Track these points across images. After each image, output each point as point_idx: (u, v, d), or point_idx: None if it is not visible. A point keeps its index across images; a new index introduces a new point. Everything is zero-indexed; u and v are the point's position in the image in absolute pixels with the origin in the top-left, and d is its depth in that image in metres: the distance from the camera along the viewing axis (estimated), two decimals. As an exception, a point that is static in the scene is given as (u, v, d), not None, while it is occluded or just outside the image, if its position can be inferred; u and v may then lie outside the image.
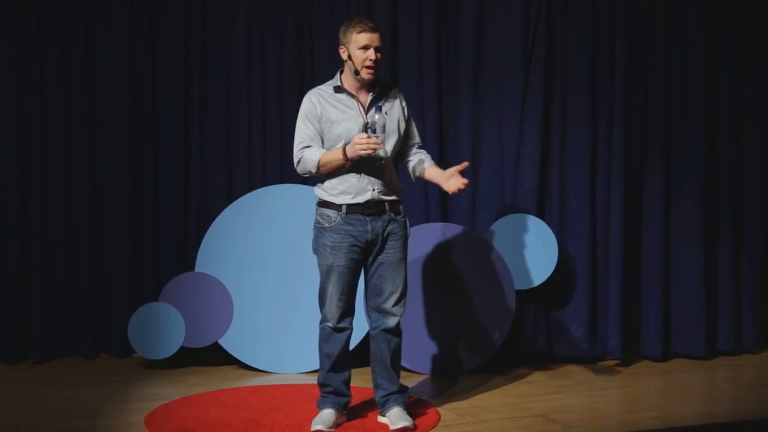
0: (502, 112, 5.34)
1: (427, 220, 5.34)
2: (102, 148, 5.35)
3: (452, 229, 5.16)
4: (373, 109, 3.87)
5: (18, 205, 5.25)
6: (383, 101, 3.97)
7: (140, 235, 5.40)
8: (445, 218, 5.38)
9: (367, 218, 3.91)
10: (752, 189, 5.58)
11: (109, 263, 5.36)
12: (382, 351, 4.05)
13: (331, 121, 3.92)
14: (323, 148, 3.95)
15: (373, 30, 3.86)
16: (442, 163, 5.41)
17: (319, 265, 3.99)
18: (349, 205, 3.91)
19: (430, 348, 5.04)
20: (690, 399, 4.64)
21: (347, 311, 4.00)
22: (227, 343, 5.11)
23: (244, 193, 5.27)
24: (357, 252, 3.93)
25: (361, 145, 3.77)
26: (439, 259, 5.07)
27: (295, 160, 3.99)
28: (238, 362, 5.13)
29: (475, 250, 5.09)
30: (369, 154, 3.80)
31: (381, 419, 4.08)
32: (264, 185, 5.31)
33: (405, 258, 4.04)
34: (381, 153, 3.88)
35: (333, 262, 3.93)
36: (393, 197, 3.98)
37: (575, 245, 5.32)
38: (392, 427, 3.96)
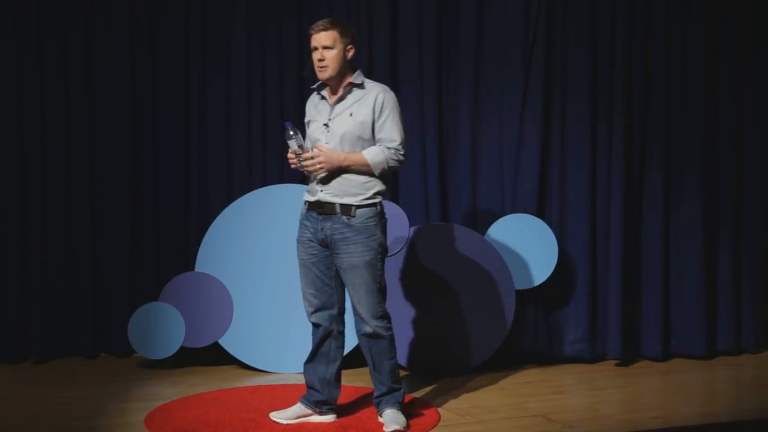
0: (502, 112, 5.34)
1: (427, 220, 5.34)
2: (102, 148, 5.35)
3: (452, 229, 5.15)
4: (287, 125, 3.93)
5: (18, 205, 5.25)
6: (353, 101, 3.94)
7: (140, 235, 5.40)
8: (445, 218, 5.38)
9: (320, 217, 3.96)
10: (752, 189, 5.58)
11: (109, 263, 5.35)
12: (366, 354, 4.07)
13: (306, 121, 4.06)
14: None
15: (317, 31, 3.91)
16: (442, 163, 5.44)
17: None
18: (309, 203, 4.01)
19: (430, 348, 5.04)
20: (690, 399, 4.64)
21: (319, 307, 4.02)
22: (227, 343, 5.11)
23: (244, 193, 5.27)
24: (315, 248, 3.99)
25: (290, 161, 3.95)
26: (439, 259, 5.07)
27: None
28: (238, 362, 5.13)
29: (475, 250, 5.09)
30: (298, 167, 3.92)
31: (380, 419, 4.09)
32: (264, 185, 5.31)
33: (368, 263, 3.90)
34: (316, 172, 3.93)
35: (298, 255, 4.06)
36: (347, 201, 3.91)
37: (575, 245, 5.32)
38: (385, 429, 3.97)
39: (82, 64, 5.29)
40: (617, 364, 5.29)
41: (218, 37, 5.42)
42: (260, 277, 5.12)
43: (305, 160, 3.89)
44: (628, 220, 5.32)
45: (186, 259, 5.35)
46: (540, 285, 5.15)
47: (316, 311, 4.03)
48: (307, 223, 4.00)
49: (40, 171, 5.27)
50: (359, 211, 3.91)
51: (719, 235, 5.50)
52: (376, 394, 4.09)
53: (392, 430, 3.94)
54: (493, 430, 4.07)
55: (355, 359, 5.07)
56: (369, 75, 5.35)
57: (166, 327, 5.05)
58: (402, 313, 5.04)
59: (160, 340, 5.05)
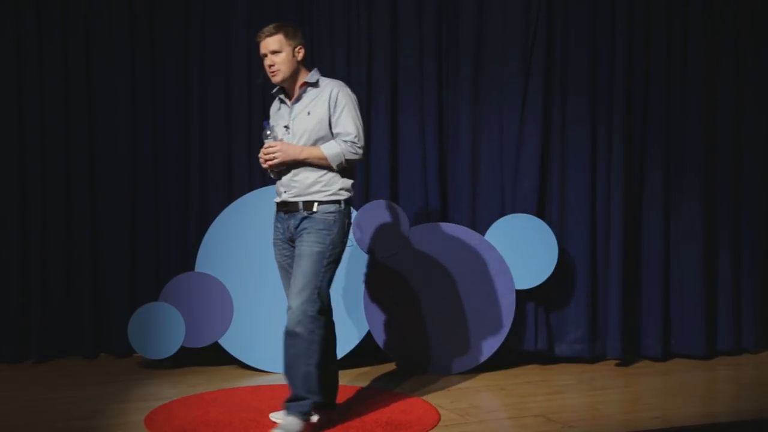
0: (502, 112, 5.34)
1: (428, 220, 5.34)
2: (102, 148, 5.36)
3: (452, 229, 5.15)
4: (265, 124, 3.95)
5: (18, 205, 5.25)
6: (309, 100, 3.94)
7: (140, 235, 5.40)
8: (445, 218, 5.38)
9: (285, 216, 3.97)
10: (752, 189, 5.58)
11: (109, 263, 5.36)
12: (283, 352, 3.88)
13: (271, 126, 4.04)
14: None
15: (263, 38, 3.94)
16: (442, 163, 5.44)
17: None
18: (276, 204, 4.03)
19: (430, 348, 5.04)
20: (690, 399, 4.64)
21: None
22: (227, 343, 5.11)
23: (244, 193, 5.27)
24: (287, 248, 3.99)
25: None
26: (439, 259, 5.07)
27: None
28: (238, 362, 5.13)
29: (475, 250, 5.09)
30: (269, 166, 3.92)
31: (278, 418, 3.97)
32: (264, 185, 5.31)
33: (312, 255, 3.84)
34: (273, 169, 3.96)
35: (274, 257, 4.08)
36: (309, 198, 3.91)
37: (575, 245, 5.31)
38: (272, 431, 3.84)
39: (82, 64, 5.30)
40: (617, 364, 5.29)
41: (218, 37, 5.43)
42: (260, 277, 5.11)
43: (263, 152, 3.91)
44: (628, 220, 5.32)
45: (186, 259, 5.35)
46: (540, 285, 5.15)
47: None
48: (278, 225, 4.02)
49: (40, 171, 5.27)
50: (321, 206, 3.91)
51: (719, 235, 5.50)
52: (287, 397, 3.90)
53: None
54: (493, 430, 4.06)
55: (353, 360, 5.07)
56: (369, 75, 5.39)
57: (166, 327, 5.05)
58: (402, 312, 5.04)
59: (160, 340, 5.05)
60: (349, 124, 3.92)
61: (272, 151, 3.89)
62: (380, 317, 5.04)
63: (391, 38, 5.38)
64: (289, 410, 3.85)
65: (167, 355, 5.07)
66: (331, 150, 3.89)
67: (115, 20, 5.31)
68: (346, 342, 5.04)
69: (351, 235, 4.10)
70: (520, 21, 5.28)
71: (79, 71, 5.30)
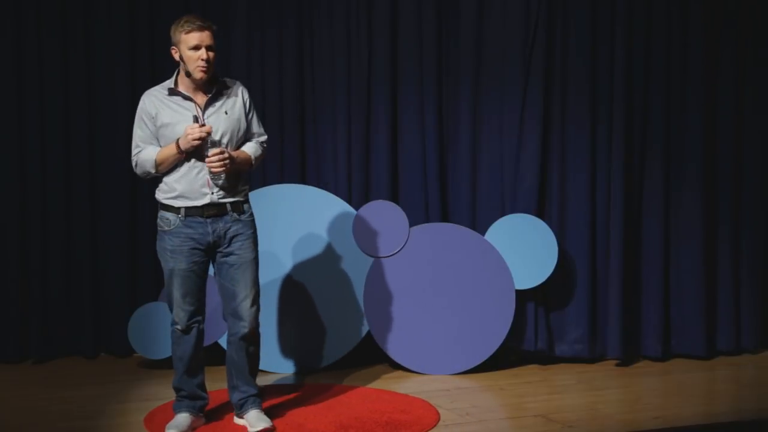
0: (502, 112, 5.33)
1: (427, 220, 5.34)
2: (102, 148, 5.35)
3: (452, 229, 5.15)
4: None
5: (18, 205, 5.25)
6: (223, 100, 3.87)
7: (140, 235, 5.39)
8: (445, 218, 5.38)
9: (208, 220, 3.83)
10: (752, 189, 5.57)
11: (109, 263, 5.35)
12: (240, 358, 3.95)
13: (165, 124, 3.84)
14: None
15: (201, 29, 3.78)
16: (442, 163, 5.44)
17: (163, 268, 3.93)
18: (187, 208, 3.82)
19: (430, 348, 5.04)
20: (690, 399, 4.64)
21: (195, 312, 3.93)
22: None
23: (244, 193, 5.26)
24: (199, 255, 3.86)
25: (192, 134, 3.69)
26: (439, 259, 5.07)
27: (133, 164, 4.00)
28: (238, 362, 5.12)
29: (475, 250, 5.09)
30: (201, 141, 3.71)
31: (238, 421, 4.00)
32: (264, 185, 5.30)
33: (256, 258, 3.95)
34: (214, 138, 3.80)
35: (174, 266, 3.85)
36: (236, 198, 3.88)
37: (575, 245, 5.31)
38: (251, 429, 3.89)
39: (82, 63, 5.29)
40: (617, 364, 5.29)
41: (218, 38, 5.41)
42: (260, 277, 5.10)
43: (216, 157, 3.72)
44: (628, 220, 5.32)
45: (186, 259, 5.34)
46: (540, 285, 5.15)
47: (193, 317, 3.93)
48: (187, 231, 3.82)
49: (40, 171, 5.27)
50: (245, 206, 3.94)
51: (719, 234, 5.50)
52: (239, 396, 3.97)
53: (261, 428, 3.86)
54: (493, 430, 4.07)
55: (353, 360, 5.07)
56: (369, 74, 5.39)
57: (166, 327, 5.04)
58: (402, 313, 5.04)
59: (160, 340, 5.04)
60: (261, 125, 4.07)
61: (226, 158, 3.76)
62: (380, 317, 5.04)
63: (391, 38, 5.37)
64: (253, 405, 3.97)
65: (167, 355, 5.06)
66: (256, 152, 4.00)
67: (115, 20, 5.31)
68: (346, 342, 5.05)
69: None
70: (520, 21, 5.28)
71: (79, 71, 5.29)
